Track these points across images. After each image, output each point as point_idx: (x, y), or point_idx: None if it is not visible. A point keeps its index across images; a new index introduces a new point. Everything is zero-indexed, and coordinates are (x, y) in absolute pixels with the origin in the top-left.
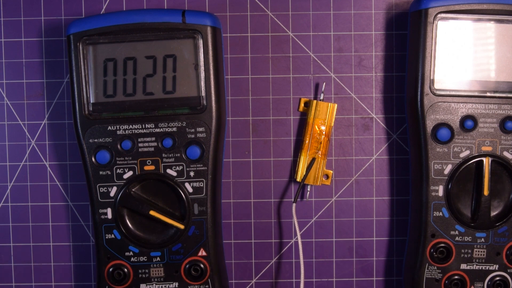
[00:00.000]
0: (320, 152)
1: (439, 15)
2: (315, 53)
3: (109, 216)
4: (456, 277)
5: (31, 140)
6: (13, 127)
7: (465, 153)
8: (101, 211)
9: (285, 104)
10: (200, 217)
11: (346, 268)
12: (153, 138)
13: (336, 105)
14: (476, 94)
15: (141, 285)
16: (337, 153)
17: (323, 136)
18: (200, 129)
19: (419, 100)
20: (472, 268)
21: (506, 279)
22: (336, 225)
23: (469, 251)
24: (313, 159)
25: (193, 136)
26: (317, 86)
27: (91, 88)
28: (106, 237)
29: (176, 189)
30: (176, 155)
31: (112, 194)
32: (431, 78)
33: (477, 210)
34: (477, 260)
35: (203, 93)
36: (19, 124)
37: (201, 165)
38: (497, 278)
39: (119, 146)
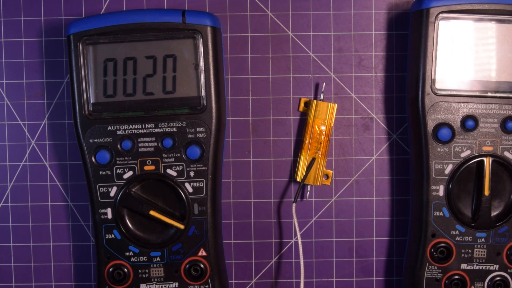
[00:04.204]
0: (320, 152)
1: (440, 15)
2: (315, 53)
3: (109, 216)
4: (456, 277)
5: (31, 140)
6: (13, 127)
7: (466, 153)
8: (101, 211)
9: (285, 104)
10: (200, 217)
11: (346, 268)
12: (153, 138)
13: (336, 105)
14: (477, 94)
15: (141, 285)
16: (337, 153)
17: (323, 136)
18: (200, 129)
19: (420, 99)
20: (472, 268)
21: (507, 279)
22: (336, 225)
23: (470, 251)
24: (313, 159)
25: (193, 136)
26: (317, 86)
27: (91, 88)
28: (106, 237)
29: (176, 189)
30: (176, 155)
31: (112, 194)
32: (432, 77)
33: (477, 210)
34: (478, 260)
35: (203, 93)
36: (19, 124)
37: (201, 165)
38: (498, 278)
39: (119, 146)
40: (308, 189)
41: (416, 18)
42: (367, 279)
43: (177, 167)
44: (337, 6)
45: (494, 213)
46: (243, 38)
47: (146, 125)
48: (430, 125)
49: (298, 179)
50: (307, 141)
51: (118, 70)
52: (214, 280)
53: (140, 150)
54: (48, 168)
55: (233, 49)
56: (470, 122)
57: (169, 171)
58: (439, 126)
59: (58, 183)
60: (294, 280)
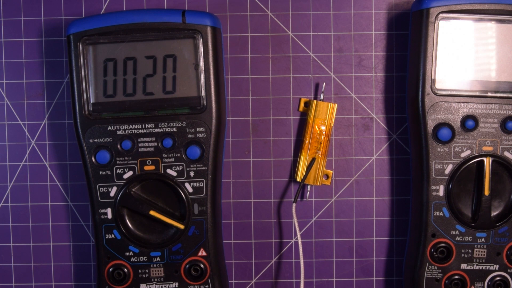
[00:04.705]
0: (320, 152)
1: (440, 15)
2: (315, 53)
3: (109, 216)
4: (456, 277)
5: (31, 140)
6: (13, 127)
7: (466, 153)
8: (101, 211)
9: (285, 104)
10: (200, 217)
11: (346, 268)
12: (153, 138)
13: (336, 105)
14: (477, 94)
15: (141, 285)
16: (337, 153)
17: (323, 136)
18: (200, 129)
19: (420, 99)
20: (472, 268)
21: (506, 279)
22: (336, 225)
23: (470, 251)
24: (313, 159)
25: (193, 136)
26: (317, 86)
27: (91, 88)
28: (106, 237)
29: (176, 189)
30: (176, 155)
31: (112, 194)
32: (432, 77)
33: (477, 210)
34: (478, 260)
35: (203, 93)
36: (19, 124)
37: (201, 165)
38: (497, 278)
39: (119, 146)
40: (308, 189)
41: (416, 18)
42: (367, 279)
43: (177, 167)
44: (337, 6)
45: (494, 213)
46: (243, 38)
47: (146, 125)
48: (430, 125)
49: (298, 179)
50: (307, 141)
51: (118, 70)
52: (214, 280)
53: (140, 150)
54: (48, 168)
55: (233, 49)
56: (470, 122)
57: (169, 171)
58: (439, 126)
59: (58, 183)
60: (294, 280)
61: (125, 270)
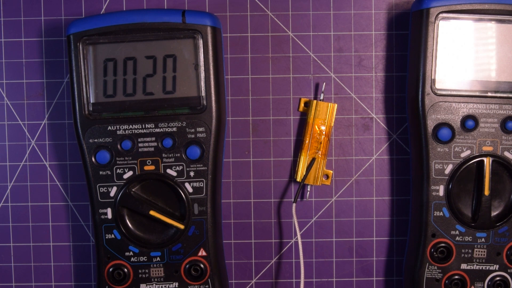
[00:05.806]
0: (320, 152)
1: (440, 15)
2: (315, 53)
3: (109, 216)
4: (456, 277)
5: (31, 140)
6: (13, 127)
7: (466, 153)
8: (101, 211)
9: (285, 104)
10: (200, 217)
11: (346, 268)
12: (153, 138)
13: (336, 105)
14: (477, 94)
15: (141, 285)
16: (337, 153)
17: (323, 136)
18: (200, 129)
19: (420, 99)
20: (472, 268)
21: (506, 279)
22: (336, 225)
23: (470, 251)
24: (313, 159)
25: (193, 136)
26: (317, 86)
27: (91, 88)
28: (106, 237)
29: (176, 189)
30: (176, 155)
31: (112, 194)
32: (432, 77)
33: (477, 210)
34: (478, 260)
35: (203, 93)
36: (19, 124)
37: (201, 165)
38: (497, 278)
39: (119, 146)
40: (308, 189)
41: (416, 18)
42: (367, 279)
43: (177, 167)
44: (337, 6)
45: (494, 213)
46: (243, 38)
47: (146, 125)
48: (430, 125)
49: (298, 179)
50: (307, 141)
51: (118, 70)
52: (214, 280)
53: (140, 150)
54: (48, 168)
55: (233, 49)
56: (470, 122)
57: (169, 171)
58: (439, 126)
59: (58, 183)
60: (294, 280)
61: (125, 270)
